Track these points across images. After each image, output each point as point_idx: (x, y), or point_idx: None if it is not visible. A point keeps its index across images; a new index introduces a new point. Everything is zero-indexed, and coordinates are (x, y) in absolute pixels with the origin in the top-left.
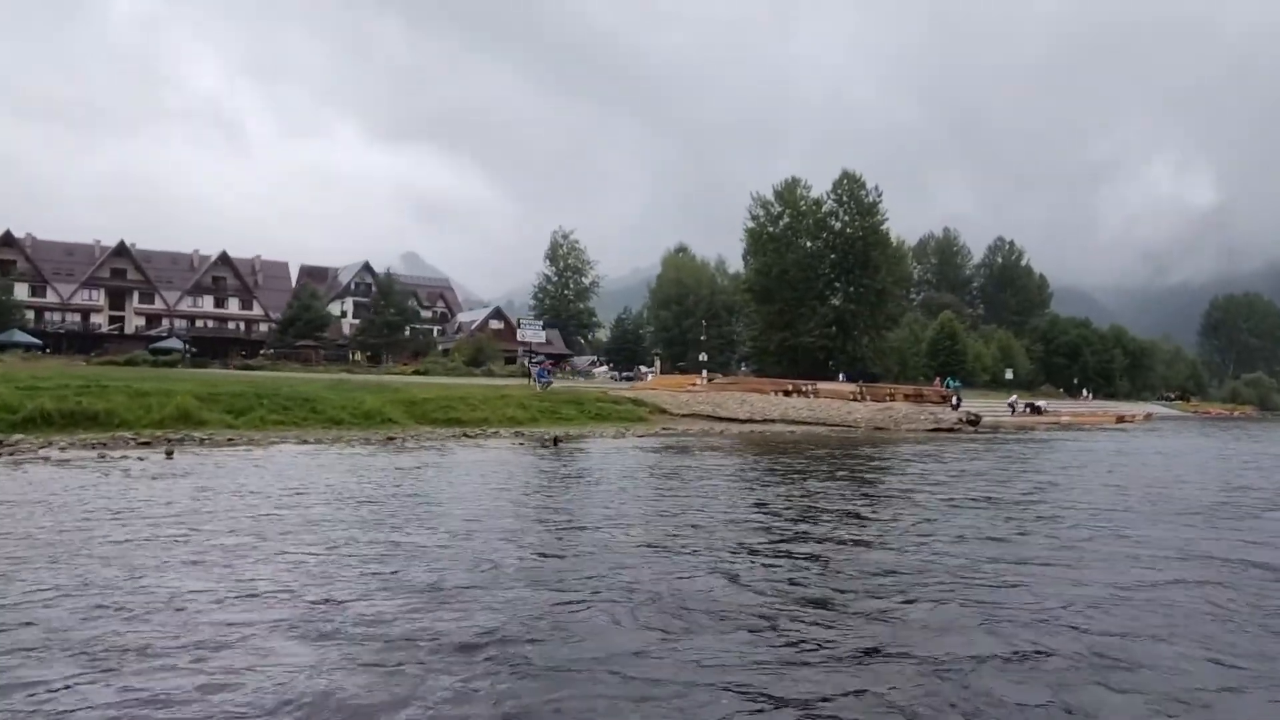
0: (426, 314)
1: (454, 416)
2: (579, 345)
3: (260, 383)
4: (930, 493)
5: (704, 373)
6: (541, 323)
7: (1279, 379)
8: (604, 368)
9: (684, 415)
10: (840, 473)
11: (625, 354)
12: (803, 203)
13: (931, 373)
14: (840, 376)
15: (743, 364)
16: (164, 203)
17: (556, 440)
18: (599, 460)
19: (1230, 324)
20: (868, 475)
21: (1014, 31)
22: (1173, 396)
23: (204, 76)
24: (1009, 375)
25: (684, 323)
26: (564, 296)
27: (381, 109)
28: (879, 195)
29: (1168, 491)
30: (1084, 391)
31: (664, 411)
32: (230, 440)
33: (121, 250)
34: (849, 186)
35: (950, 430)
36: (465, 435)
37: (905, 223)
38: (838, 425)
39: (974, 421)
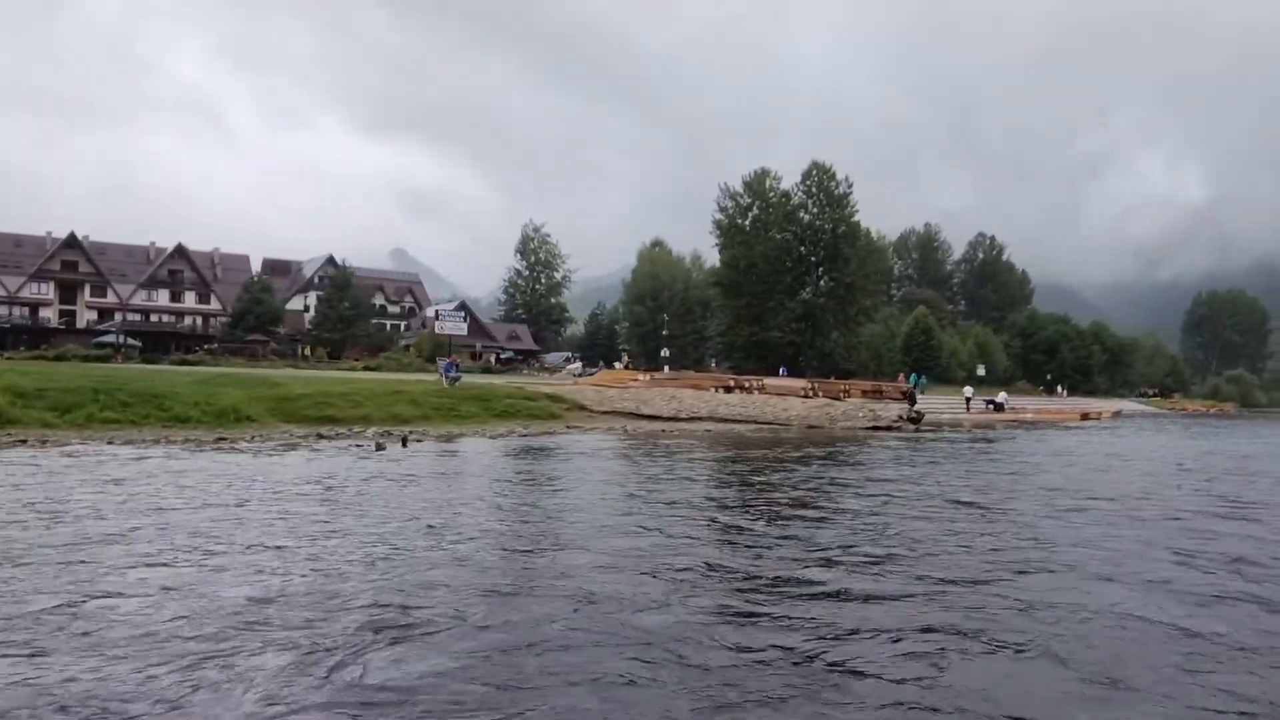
0: (394, 309)
1: (328, 414)
2: (551, 341)
3: (115, 376)
4: (784, 507)
5: (665, 368)
6: (463, 314)
7: (1261, 375)
8: (577, 363)
9: (604, 412)
10: (722, 478)
11: (599, 349)
12: (772, 194)
13: (907, 369)
14: (781, 371)
15: (714, 359)
16: (153, 198)
17: (405, 440)
18: (434, 464)
19: (1214, 320)
20: (751, 480)
21: (1011, 30)
22: (1151, 393)
23: (192, 71)
24: (981, 371)
25: (658, 317)
26: (535, 291)
27: (372, 103)
28: (849, 187)
29: (1061, 504)
30: (1058, 388)
31: (583, 408)
32: (23, 441)
33: (72, 242)
34: (818, 177)
35: (889, 428)
36: (320, 435)
37: (898, 217)
38: (770, 423)
39: (916, 419)
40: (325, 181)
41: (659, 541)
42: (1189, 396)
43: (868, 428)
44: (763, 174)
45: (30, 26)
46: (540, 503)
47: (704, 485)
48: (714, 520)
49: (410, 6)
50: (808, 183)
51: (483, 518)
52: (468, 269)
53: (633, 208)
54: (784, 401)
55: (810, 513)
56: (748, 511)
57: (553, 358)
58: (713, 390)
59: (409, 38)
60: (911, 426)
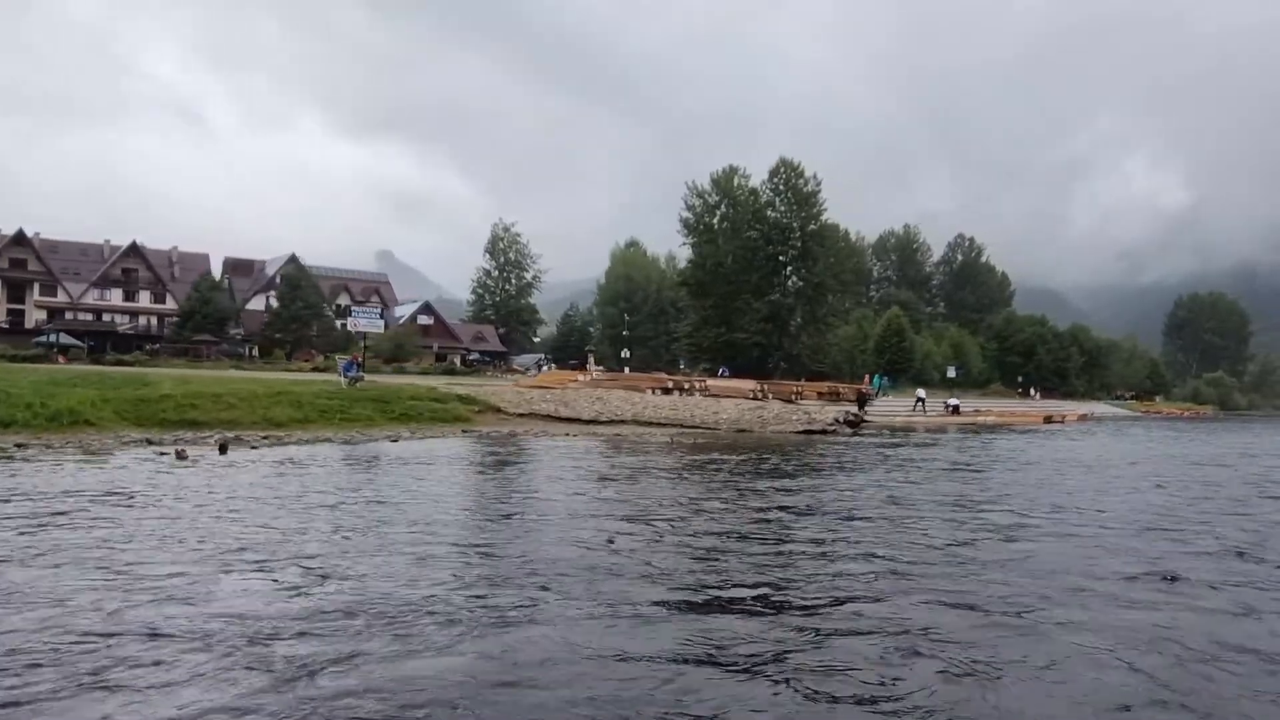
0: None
1: (189, 417)
2: (525, 342)
3: None
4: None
5: (626, 369)
6: (379, 310)
7: (1241, 378)
8: (552, 365)
9: (519, 415)
10: (581, 491)
11: (571, 351)
12: (739, 192)
13: (871, 371)
14: (722, 371)
15: (681, 361)
16: (131, 198)
17: (224, 448)
18: (235, 477)
19: (1194, 323)
20: (613, 493)
21: (996, 33)
22: (1128, 396)
23: (171, 70)
24: (951, 373)
25: (631, 319)
26: (505, 292)
27: (358, 104)
28: (818, 184)
29: (942, 516)
30: (1031, 390)
31: (497, 411)
32: None
33: (21, 239)
34: (786, 175)
35: (823, 432)
36: (149, 442)
37: (884, 218)
38: (697, 427)
39: (854, 423)
40: (312, 183)
41: (406, 575)
42: (1170, 399)
43: (800, 432)
44: (731, 171)
45: (3, 23)
46: (271, 531)
47: (544, 501)
48: (488, 546)
49: (396, 12)
50: (775, 180)
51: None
52: (453, 270)
53: (621, 209)
54: (716, 404)
55: (632, 536)
56: (576, 535)
57: (524, 359)
58: (649, 391)
59: (394, 39)
60: (849, 430)
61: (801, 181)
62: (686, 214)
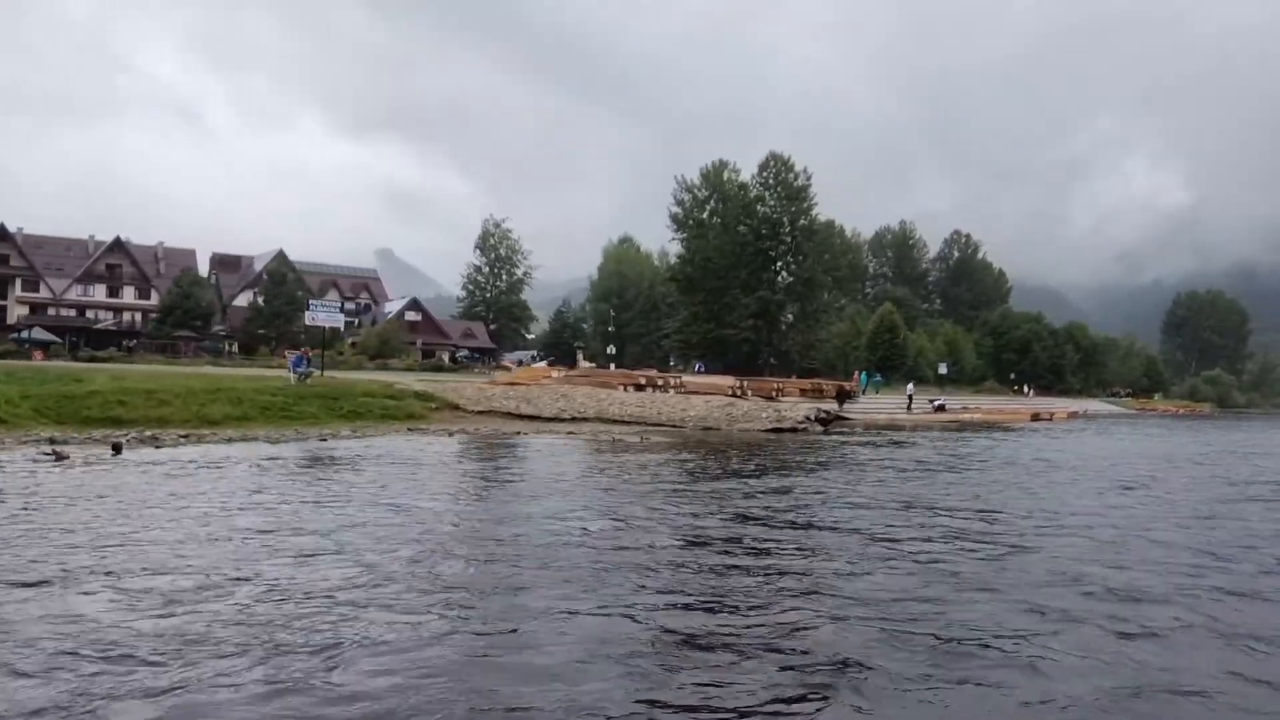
0: (349, 305)
1: (115, 415)
2: (519, 339)
3: None
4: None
5: (613, 365)
6: (338, 304)
7: (1239, 377)
8: (543, 362)
9: (477, 412)
10: (483, 498)
11: (562, 348)
12: (729, 186)
13: (860, 367)
14: (697, 367)
15: (670, 358)
16: (129, 197)
17: (118, 448)
18: (104, 482)
19: (1193, 322)
20: (512, 503)
21: (995, 33)
22: (1124, 393)
23: (177, 71)
24: (943, 370)
25: (623, 315)
26: (495, 288)
27: (358, 103)
28: (808, 179)
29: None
30: (1025, 388)
31: (456, 408)
32: None
33: (3, 234)
34: (776, 169)
35: (792, 430)
36: (51, 441)
37: (883, 217)
38: (663, 424)
39: (825, 421)
40: (312, 183)
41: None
42: (1168, 397)
43: (768, 430)
44: (720, 165)
45: (3, 24)
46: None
47: (432, 510)
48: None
49: (397, 13)
50: (765, 174)
51: None
52: (453, 268)
53: (621, 208)
54: (686, 401)
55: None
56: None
57: (515, 356)
58: (620, 388)
59: (396, 40)
60: (819, 429)
61: (791, 176)
62: (676, 209)
